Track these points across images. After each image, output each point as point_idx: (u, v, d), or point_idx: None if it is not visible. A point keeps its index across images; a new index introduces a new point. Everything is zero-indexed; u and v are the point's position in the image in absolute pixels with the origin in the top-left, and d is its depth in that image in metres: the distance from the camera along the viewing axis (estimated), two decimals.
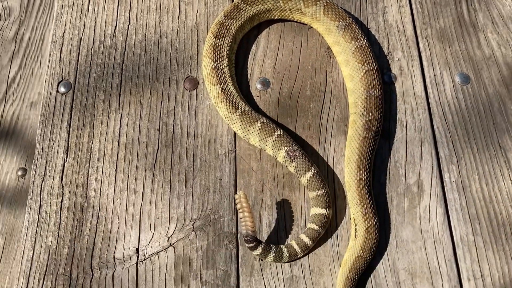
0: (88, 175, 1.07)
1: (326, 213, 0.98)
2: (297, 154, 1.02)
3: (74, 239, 1.01)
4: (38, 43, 1.68)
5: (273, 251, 0.96)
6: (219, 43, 1.11)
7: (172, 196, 1.05)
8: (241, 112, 1.06)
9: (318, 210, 0.99)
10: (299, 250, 0.97)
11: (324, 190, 1.00)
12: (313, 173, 1.01)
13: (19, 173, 1.46)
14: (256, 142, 1.06)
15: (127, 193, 1.05)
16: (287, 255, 0.97)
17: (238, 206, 0.93)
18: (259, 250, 0.95)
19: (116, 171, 1.07)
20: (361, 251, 0.96)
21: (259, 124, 1.05)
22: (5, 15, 1.65)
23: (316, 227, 0.98)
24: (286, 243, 1.00)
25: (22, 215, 1.43)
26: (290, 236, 1.01)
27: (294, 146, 1.03)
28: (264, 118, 1.07)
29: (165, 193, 1.05)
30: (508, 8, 1.22)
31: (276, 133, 1.04)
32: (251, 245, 0.94)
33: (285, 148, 1.03)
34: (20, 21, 1.70)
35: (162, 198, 1.04)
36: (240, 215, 0.93)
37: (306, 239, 0.97)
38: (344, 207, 1.04)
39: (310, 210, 1.01)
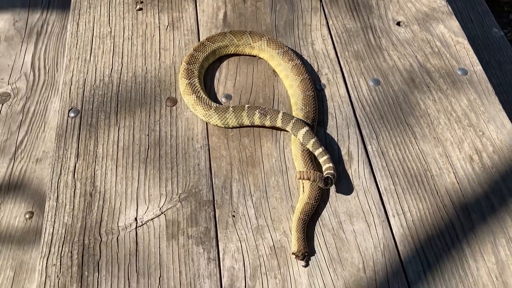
0: (94, 171, 1.37)
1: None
2: (266, 109, 1.40)
3: (85, 216, 1.29)
4: (42, 112, 2.06)
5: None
6: (191, 68, 1.50)
7: (161, 179, 1.35)
8: (215, 107, 1.41)
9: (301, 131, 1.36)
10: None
11: (295, 118, 1.38)
12: (283, 113, 1.39)
13: (27, 216, 1.76)
14: (234, 122, 1.41)
15: (126, 180, 1.35)
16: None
17: (305, 176, 1.24)
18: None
19: (116, 166, 1.38)
20: (308, 199, 1.26)
21: (231, 108, 1.41)
22: (13, 94, 2.03)
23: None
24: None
25: (29, 250, 1.69)
26: (255, 199, 1.31)
27: (262, 107, 1.41)
28: (231, 105, 1.44)
29: (156, 177, 1.35)
30: (403, 35, 1.66)
31: (246, 106, 1.41)
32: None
33: (257, 111, 1.40)
34: (26, 97, 2.08)
35: (154, 181, 1.34)
36: (308, 175, 1.24)
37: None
38: (294, 174, 1.35)
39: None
